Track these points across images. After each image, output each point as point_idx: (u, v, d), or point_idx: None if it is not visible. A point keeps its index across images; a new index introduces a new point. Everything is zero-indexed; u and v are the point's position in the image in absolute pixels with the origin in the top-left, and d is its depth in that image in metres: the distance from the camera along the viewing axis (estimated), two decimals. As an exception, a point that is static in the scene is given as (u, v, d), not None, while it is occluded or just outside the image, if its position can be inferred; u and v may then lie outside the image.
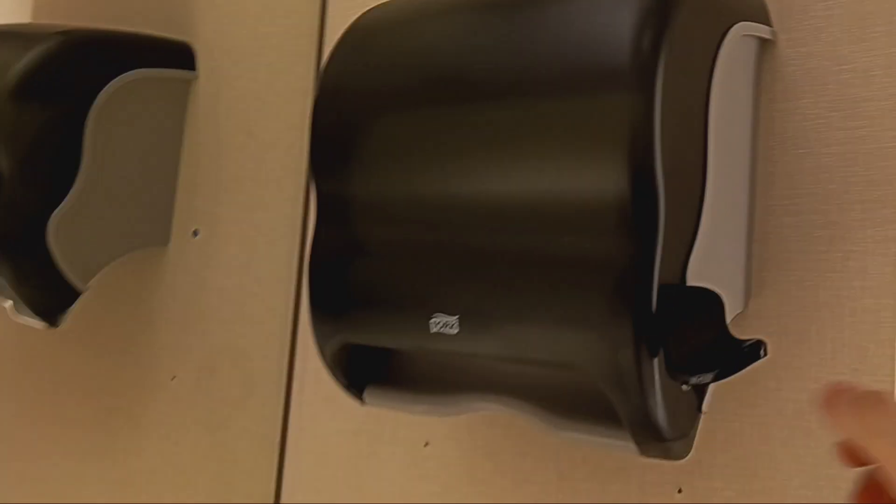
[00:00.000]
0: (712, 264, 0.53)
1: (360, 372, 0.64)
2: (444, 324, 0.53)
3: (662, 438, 0.48)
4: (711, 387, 0.51)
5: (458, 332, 0.52)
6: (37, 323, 0.80)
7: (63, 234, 0.78)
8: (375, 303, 0.56)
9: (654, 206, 0.46)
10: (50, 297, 0.80)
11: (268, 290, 0.88)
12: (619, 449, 0.52)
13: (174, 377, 0.89)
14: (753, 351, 0.44)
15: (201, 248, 0.89)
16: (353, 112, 0.58)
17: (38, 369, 0.91)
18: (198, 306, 0.89)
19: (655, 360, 0.46)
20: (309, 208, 0.87)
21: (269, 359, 0.87)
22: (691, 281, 0.49)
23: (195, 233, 0.89)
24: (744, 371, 0.46)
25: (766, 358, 0.45)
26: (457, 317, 0.52)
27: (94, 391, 0.92)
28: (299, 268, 0.87)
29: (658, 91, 0.45)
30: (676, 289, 0.48)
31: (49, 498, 0.90)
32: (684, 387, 0.49)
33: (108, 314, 0.90)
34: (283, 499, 0.86)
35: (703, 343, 0.46)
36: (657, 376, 0.46)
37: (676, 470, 0.63)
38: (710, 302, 0.46)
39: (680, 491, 0.63)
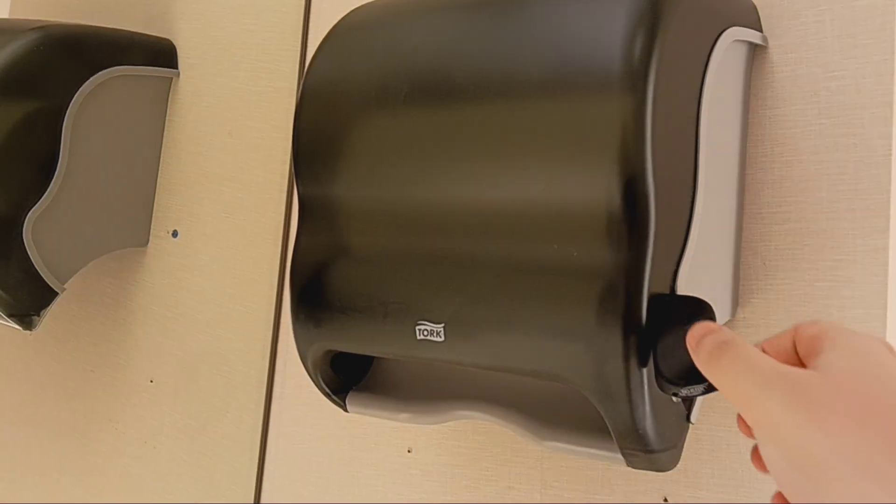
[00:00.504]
0: (701, 273, 0.52)
1: (343, 378, 0.63)
2: (429, 332, 0.52)
3: (650, 450, 0.47)
4: (700, 398, 0.51)
5: (443, 341, 0.51)
6: (12, 325, 0.78)
7: (39, 233, 0.77)
8: (359, 309, 0.55)
9: (645, 213, 0.45)
10: (25, 298, 0.78)
11: (249, 293, 0.87)
12: (605, 460, 0.51)
13: (152, 380, 0.88)
14: None
15: (181, 249, 0.88)
16: (338, 113, 0.57)
17: (12, 372, 0.89)
18: (177, 308, 0.88)
19: (644, 371, 0.45)
20: (292, 210, 0.87)
21: (249, 362, 0.86)
22: (681, 290, 0.48)
23: (174, 234, 0.88)
24: None
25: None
26: (442, 325, 0.51)
27: (70, 394, 0.91)
28: (281, 270, 0.86)
29: (650, 95, 0.44)
30: (666, 298, 0.47)
31: (27, 501, 0.89)
32: (674, 398, 0.48)
33: (85, 316, 0.89)
34: (263, 505, 0.85)
35: None
36: (646, 387, 0.45)
37: (662, 479, 0.63)
38: (700, 311, 0.46)
39: (665, 500, 0.62)
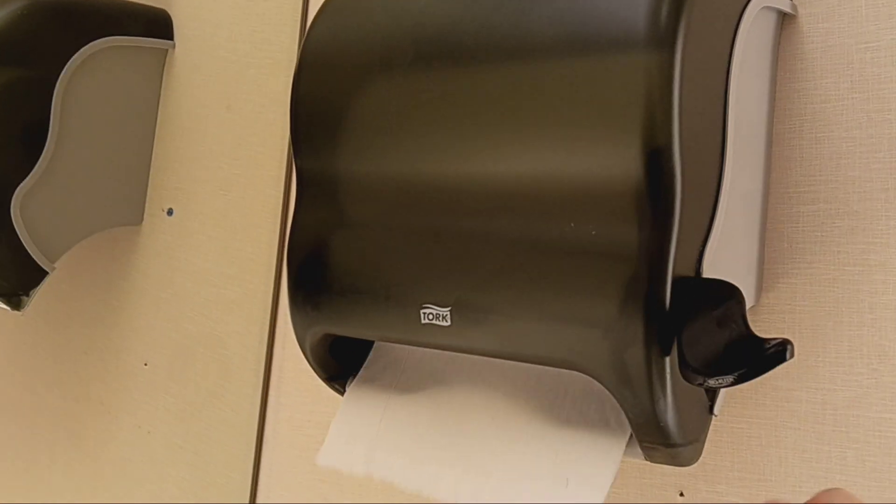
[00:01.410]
0: (726, 255, 0.49)
1: (343, 363, 0.60)
2: (434, 315, 0.49)
3: (672, 444, 0.45)
4: (724, 388, 0.48)
5: (450, 325, 0.48)
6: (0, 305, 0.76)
7: (29, 210, 0.75)
8: (359, 290, 0.52)
9: (671, 188, 0.42)
10: (13, 277, 0.77)
11: (246, 274, 0.85)
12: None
13: (146, 364, 0.87)
14: (779, 352, 0.40)
15: (176, 227, 0.86)
16: (338, 82, 0.54)
17: (1, 354, 0.88)
18: (172, 289, 0.87)
19: (667, 360, 0.42)
20: (291, 188, 0.85)
21: (246, 346, 0.85)
22: (707, 273, 0.45)
23: (170, 211, 0.87)
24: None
25: (792, 360, 0.41)
26: (448, 308, 0.48)
27: (61, 378, 0.90)
28: (280, 250, 0.85)
29: (678, 57, 0.41)
30: (691, 281, 0.43)
31: (16, 488, 0.89)
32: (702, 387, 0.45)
33: (76, 296, 0.88)
34: (260, 493, 0.84)
35: (721, 341, 0.41)
36: (668, 377, 0.42)
37: (678, 472, 0.60)
38: (728, 296, 0.42)
39: (682, 494, 0.60)
